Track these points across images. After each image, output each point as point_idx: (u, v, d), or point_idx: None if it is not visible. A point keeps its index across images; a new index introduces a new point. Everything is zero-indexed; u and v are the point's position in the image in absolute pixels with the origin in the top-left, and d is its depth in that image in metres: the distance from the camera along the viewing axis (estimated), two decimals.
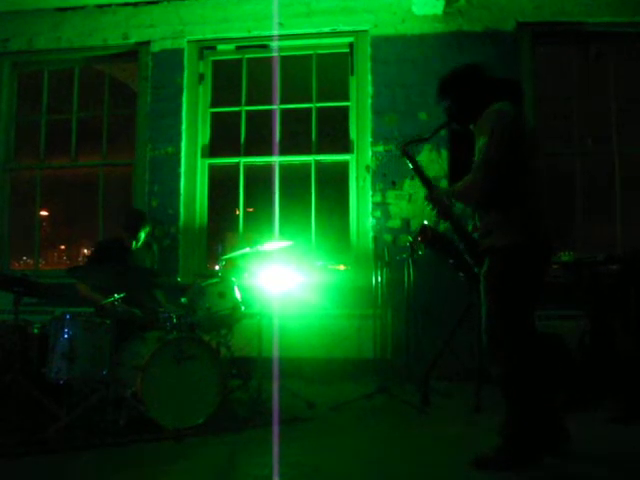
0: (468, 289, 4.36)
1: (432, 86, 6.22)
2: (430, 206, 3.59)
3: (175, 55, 6.88)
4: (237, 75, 7.03)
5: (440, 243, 3.78)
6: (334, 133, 6.92)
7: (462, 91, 3.52)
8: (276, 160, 6.76)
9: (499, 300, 3.30)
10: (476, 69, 3.59)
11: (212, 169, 6.96)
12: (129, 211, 6.13)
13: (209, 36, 6.89)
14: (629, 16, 6.23)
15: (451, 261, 3.76)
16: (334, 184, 6.85)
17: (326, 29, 6.69)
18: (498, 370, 3.29)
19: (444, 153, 6.26)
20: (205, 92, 7.01)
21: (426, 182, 3.63)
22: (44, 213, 7.83)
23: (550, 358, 3.87)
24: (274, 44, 6.84)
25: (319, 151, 6.78)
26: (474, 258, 3.49)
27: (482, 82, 3.51)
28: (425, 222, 3.83)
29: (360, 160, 6.57)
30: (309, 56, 6.91)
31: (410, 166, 3.71)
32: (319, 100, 6.85)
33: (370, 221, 6.42)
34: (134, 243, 5.37)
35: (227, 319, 4.85)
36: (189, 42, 6.90)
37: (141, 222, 5.39)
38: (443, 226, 4.01)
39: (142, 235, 5.40)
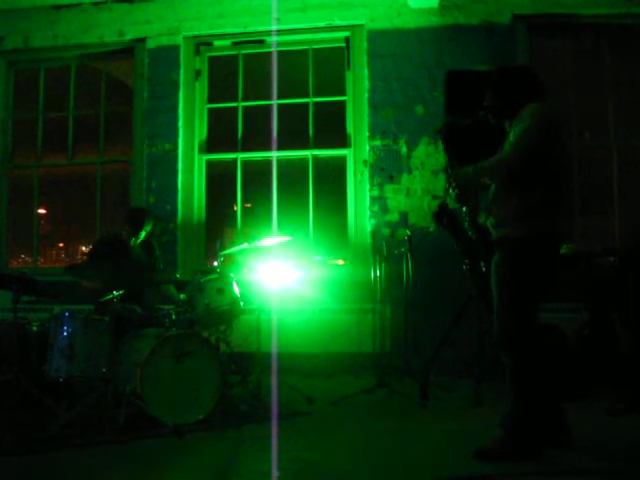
0: (470, 278, 4.35)
1: (429, 80, 6.36)
2: (452, 187, 3.56)
3: (171, 51, 6.87)
4: (234, 71, 7.02)
5: (451, 225, 3.80)
6: (331, 128, 6.91)
7: (511, 89, 3.52)
8: (273, 155, 6.75)
9: (510, 292, 3.32)
10: (529, 72, 3.63)
11: (209, 165, 6.96)
12: (133, 207, 6.19)
13: (205, 32, 6.87)
14: (625, 7, 6.22)
15: (459, 245, 3.77)
16: (332, 179, 6.85)
17: (322, 24, 6.68)
18: (509, 360, 3.32)
19: (441, 147, 6.23)
20: (202, 88, 7.00)
21: (452, 164, 3.62)
22: (42, 211, 7.81)
23: (551, 350, 3.87)
24: (270, 39, 6.82)
25: (316, 146, 6.77)
26: (483, 247, 3.50)
27: (530, 84, 3.53)
28: (444, 203, 3.86)
29: (357, 154, 6.56)
30: (305, 51, 6.90)
31: (443, 146, 3.77)
32: (316, 95, 6.85)
33: (368, 215, 6.42)
34: (133, 240, 5.38)
35: (226, 315, 4.84)
36: (185, 38, 6.89)
37: (144, 219, 5.41)
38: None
39: (143, 233, 5.42)
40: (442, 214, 3.84)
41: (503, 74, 3.62)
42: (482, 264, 3.58)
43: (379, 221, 6.38)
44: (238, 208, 6.90)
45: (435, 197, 6.16)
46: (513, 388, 3.31)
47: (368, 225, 6.40)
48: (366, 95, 6.53)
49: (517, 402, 3.29)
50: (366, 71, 6.54)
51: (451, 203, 3.85)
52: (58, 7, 7.04)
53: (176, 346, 4.20)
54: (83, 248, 7.82)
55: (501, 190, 3.42)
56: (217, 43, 7.01)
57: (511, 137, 3.39)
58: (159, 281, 5.50)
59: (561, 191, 3.40)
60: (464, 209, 3.61)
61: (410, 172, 6.33)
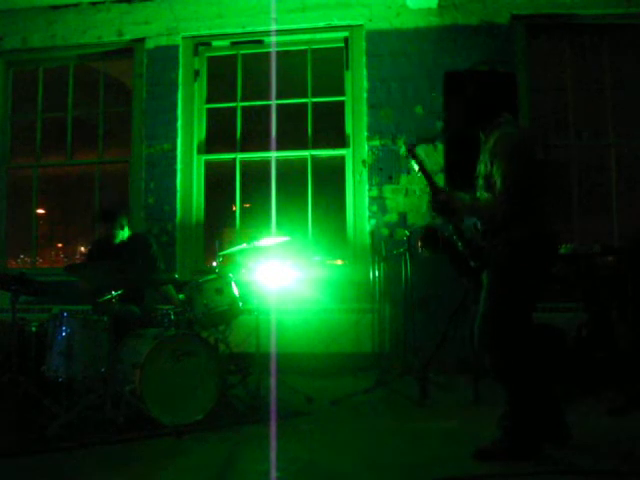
0: (472, 295, 4.22)
1: (427, 80, 6.37)
2: (434, 209, 3.49)
3: (170, 52, 6.87)
4: (232, 71, 7.02)
5: (447, 249, 3.62)
6: (330, 128, 6.92)
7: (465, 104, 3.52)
8: (272, 155, 6.74)
9: (504, 294, 3.29)
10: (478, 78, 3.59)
11: (208, 165, 6.96)
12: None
13: (204, 32, 6.87)
14: (623, 7, 6.23)
15: (454, 265, 3.62)
16: (331, 179, 6.85)
17: (321, 24, 6.68)
18: (492, 361, 3.30)
19: (440, 147, 6.24)
20: (200, 88, 7.00)
21: (433, 185, 3.54)
22: (41, 211, 7.81)
23: (549, 350, 3.85)
24: (269, 39, 6.82)
25: (315, 146, 6.78)
26: (477, 259, 3.43)
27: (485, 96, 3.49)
28: (431, 225, 3.68)
29: (356, 155, 6.56)
30: (304, 51, 6.91)
31: (416, 168, 3.61)
32: (314, 95, 6.85)
33: (367, 215, 6.42)
34: (113, 239, 5.38)
35: (225, 315, 4.83)
36: (184, 38, 6.89)
37: (104, 219, 5.40)
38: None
39: (115, 232, 5.37)
40: (434, 239, 3.62)
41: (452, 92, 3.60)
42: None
43: (378, 221, 6.38)
44: (237, 208, 6.89)
45: None
46: (506, 388, 3.31)
47: (367, 225, 6.40)
48: (365, 95, 6.53)
49: (512, 402, 3.28)
50: (365, 71, 6.54)
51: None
52: (56, 7, 7.04)
53: (175, 346, 4.19)
54: (82, 248, 7.82)
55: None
56: (216, 43, 7.01)
57: (482, 167, 3.38)
58: (158, 281, 5.48)
59: (544, 196, 3.40)
60: (450, 227, 3.51)
61: (409, 172, 6.32)
